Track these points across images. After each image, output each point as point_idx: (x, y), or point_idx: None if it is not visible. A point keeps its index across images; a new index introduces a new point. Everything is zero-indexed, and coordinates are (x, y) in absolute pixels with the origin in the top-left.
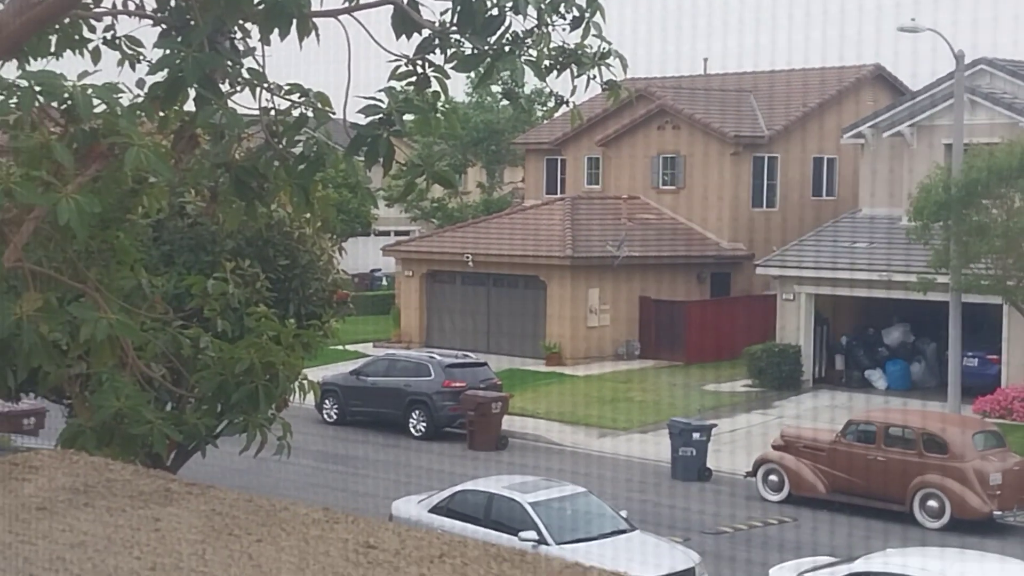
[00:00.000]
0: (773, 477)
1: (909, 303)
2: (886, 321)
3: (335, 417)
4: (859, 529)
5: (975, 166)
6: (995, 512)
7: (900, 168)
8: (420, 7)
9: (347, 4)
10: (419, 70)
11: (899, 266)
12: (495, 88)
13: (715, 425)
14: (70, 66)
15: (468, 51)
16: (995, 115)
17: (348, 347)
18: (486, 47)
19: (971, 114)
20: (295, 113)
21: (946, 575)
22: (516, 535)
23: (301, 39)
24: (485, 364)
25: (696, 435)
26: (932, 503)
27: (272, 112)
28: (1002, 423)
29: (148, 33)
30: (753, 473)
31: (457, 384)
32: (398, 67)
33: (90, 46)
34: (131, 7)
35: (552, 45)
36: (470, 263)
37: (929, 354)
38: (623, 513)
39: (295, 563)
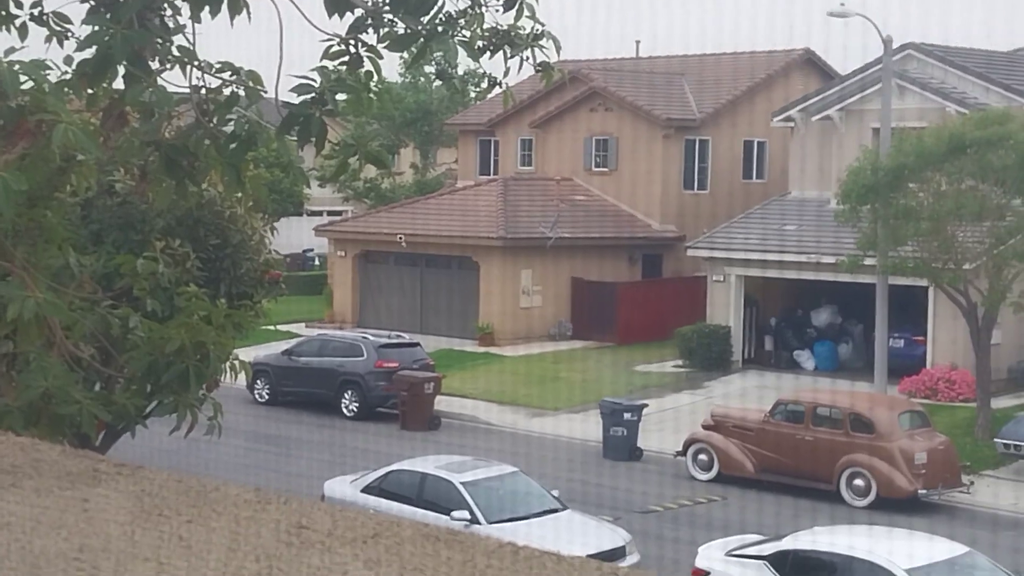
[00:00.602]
0: (703, 456)
1: (837, 285)
2: (814, 303)
3: (267, 397)
4: (787, 508)
5: (903, 150)
6: (920, 491)
7: (829, 152)
8: None
9: None
10: (352, 50)
11: (828, 248)
12: (428, 68)
13: (646, 405)
14: None
15: (401, 31)
16: (922, 100)
17: (280, 327)
18: (419, 27)
19: (899, 99)
20: (226, 92)
21: (872, 552)
22: (448, 515)
23: (232, 17)
24: (418, 344)
25: (627, 415)
26: (858, 482)
27: (203, 90)
28: (928, 403)
29: (76, 9)
30: (683, 452)
31: (390, 364)
32: (331, 46)
33: (17, 22)
34: None
35: (486, 26)
36: (403, 243)
37: (856, 335)
38: (554, 492)
39: (226, 544)
